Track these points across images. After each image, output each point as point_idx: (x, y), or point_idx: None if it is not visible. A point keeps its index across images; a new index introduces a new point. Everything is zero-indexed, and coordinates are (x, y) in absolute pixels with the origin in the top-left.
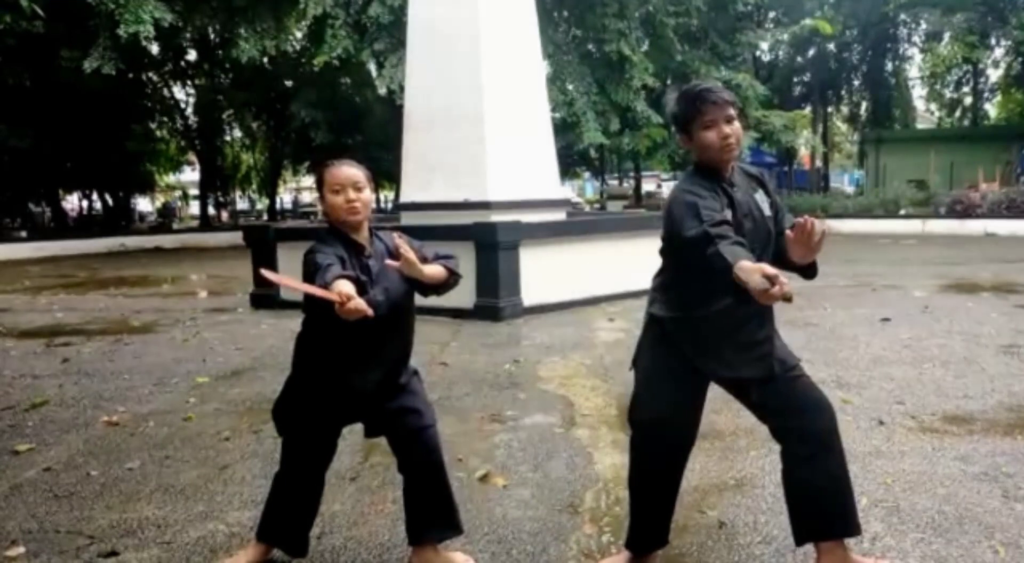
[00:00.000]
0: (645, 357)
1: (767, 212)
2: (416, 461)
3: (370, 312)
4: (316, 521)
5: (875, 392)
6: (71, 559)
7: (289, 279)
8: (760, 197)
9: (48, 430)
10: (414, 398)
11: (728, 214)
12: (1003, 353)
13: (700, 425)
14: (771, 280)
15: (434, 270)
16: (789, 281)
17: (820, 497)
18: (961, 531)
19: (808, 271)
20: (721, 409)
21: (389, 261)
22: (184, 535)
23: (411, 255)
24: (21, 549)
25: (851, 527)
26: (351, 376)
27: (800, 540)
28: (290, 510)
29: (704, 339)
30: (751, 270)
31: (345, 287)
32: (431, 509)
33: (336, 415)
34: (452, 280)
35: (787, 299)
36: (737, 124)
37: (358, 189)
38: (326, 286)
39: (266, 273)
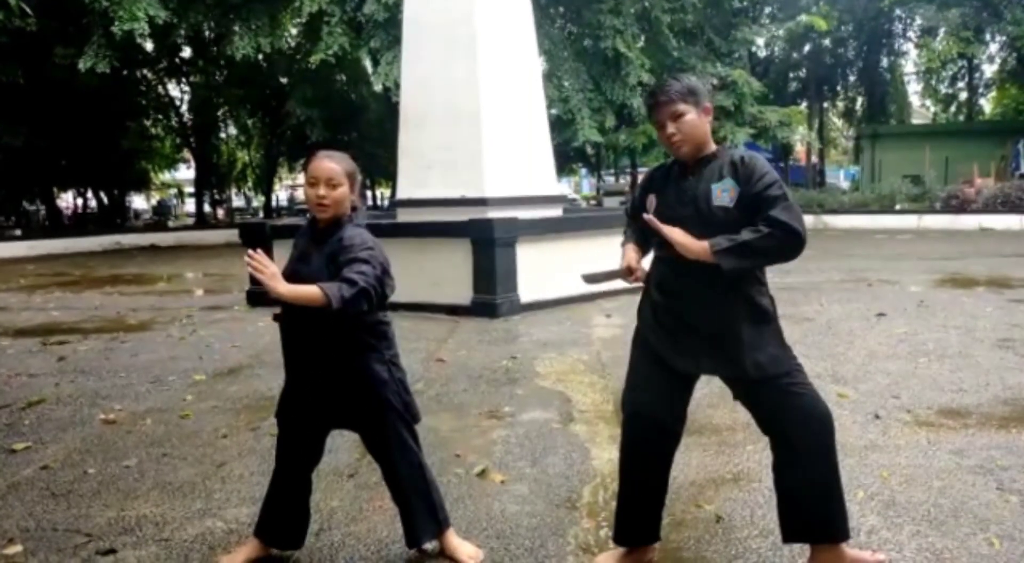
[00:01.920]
0: (632, 348)
1: (720, 203)
2: (380, 456)
3: (279, 289)
4: (315, 517)
5: (871, 386)
6: (69, 557)
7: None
8: (722, 185)
9: (45, 428)
10: (367, 393)
11: (651, 199)
12: (998, 347)
13: (687, 419)
14: (629, 270)
15: (300, 292)
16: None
17: (805, 502)
18: (956, 524)
19: (726, 264)
20: (718, 404)
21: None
22: (182, 532)
23: (264, 273)
24: (19, 547)
25: (837, 533)
26: (294, 376)
27: (787, 539)
28: (278, 508)
29: (662, 327)
30: (623, 256)
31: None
32: (416, 508)
33: (305, 416)
34: (329, 308)
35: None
36: (688, 118)
37: (331, 186)
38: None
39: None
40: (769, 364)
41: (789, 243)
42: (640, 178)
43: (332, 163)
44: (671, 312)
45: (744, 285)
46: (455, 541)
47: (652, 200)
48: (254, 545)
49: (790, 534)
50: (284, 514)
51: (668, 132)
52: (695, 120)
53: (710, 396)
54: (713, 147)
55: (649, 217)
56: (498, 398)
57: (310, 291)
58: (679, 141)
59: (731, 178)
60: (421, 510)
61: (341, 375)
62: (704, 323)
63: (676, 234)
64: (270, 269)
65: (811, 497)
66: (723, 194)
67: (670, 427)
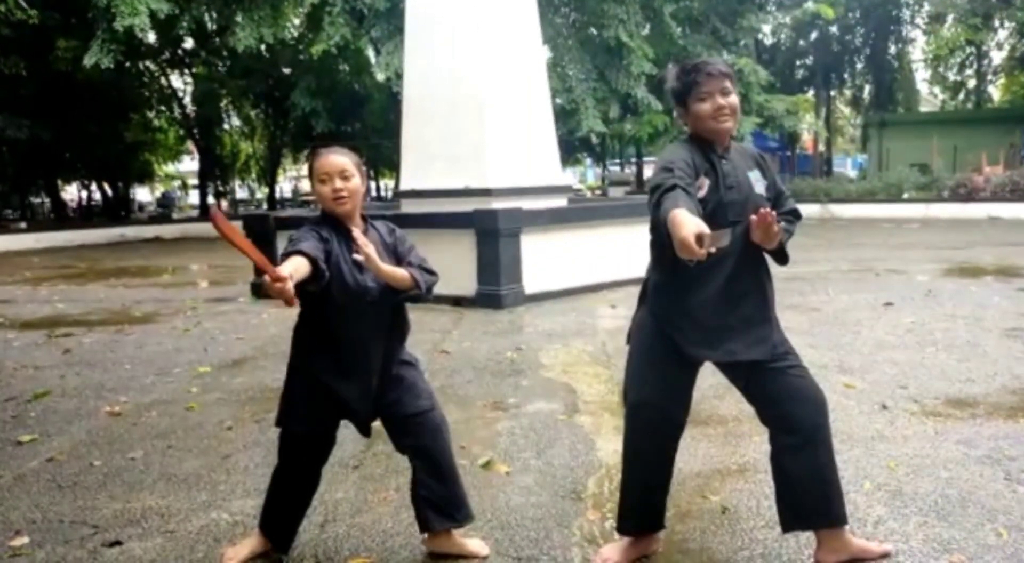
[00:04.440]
0: (635, 337)
1: (759, 191)
2: (419, 446)
3: (294, 302)
4: (319, 509)
5: (878, 376)
6: (75, 549)
7: (236, 233)
8: (755, 175)
9: (51, 420)
10: (407, 385)
11: (704, 181)
12: (1006, 337)
13: (693, 409)
14: (699, 239)
15: (396, 272)
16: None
17: (803, 487)
18: (964, 514)
19: (778, 257)
20: (724, 394)
21: (355, 254)
22: (187, 524)
23: (369, 250)
24: (25, 539)
25: (834, 518)
26: (335, 382)
27: (786, 527)
28: (280, 505)
29: (691, 318)
30: (681, 223)
31: (287, 266)
32: (441, 496)
33: (324, 415)
34: (416, 290)
35: (708, 255)
36: (734, 97)
37: (345, 178)
38: (285, 257)
39: (216, 215)
40: (780, 343)
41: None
42: (667, 154)
43: (340, 156)
44: (707, 299)
45: (766, 269)
46: (459, 537)
47: (704, 182)
48: (259, 538)
49: (791, 522)
50: (283, 510)
51: (719, 103)
52: (737, 101)
53: (716, 387)
54: None
55: (768, 211)
56: (503, 389)
57: (402, 273)
58: (729, 114)
59: (758, 169)
60: (457, 495)
61: (389, 363)
62: (741, 306)
63: (773, 223)
64: (371, 247)
65: (812, 481)
66: (759, 183)
67: (676, 417)
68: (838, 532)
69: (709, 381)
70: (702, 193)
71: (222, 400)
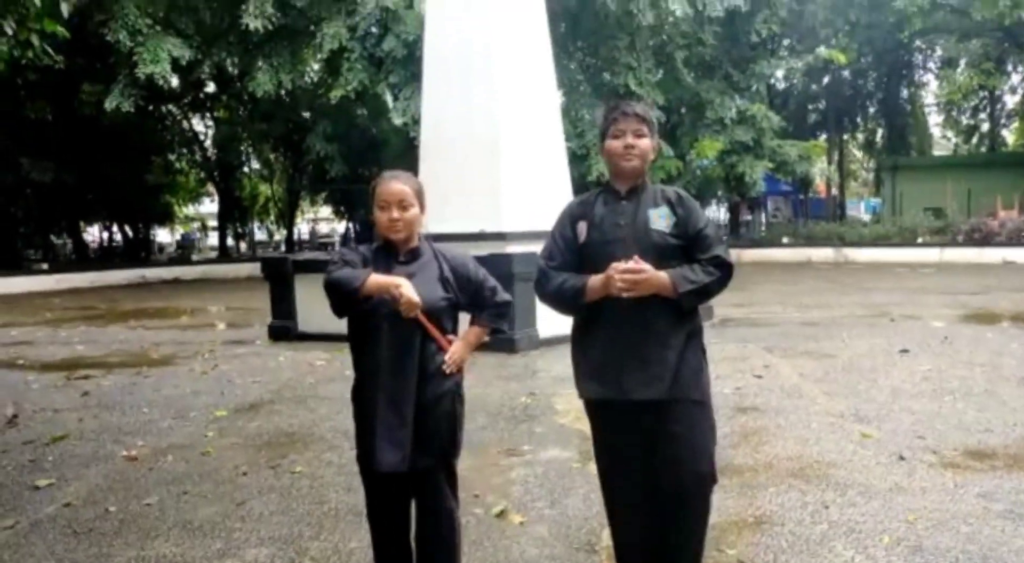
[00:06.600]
0: (597, 460)
1: (656, 227)
2: (424, 539)
3: (416, 298)
4: (332, 559)
5: (895, 426)
6: None
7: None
8: (658, 212)
9: (68, 465)
10: (437, 467)
11: (582, 226)
12: None
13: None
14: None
15: (468, 343)
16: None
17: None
18: None
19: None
20: (738, 443)
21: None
22: None
23: (410, 300)
24: None
25: None
26: (372, 448)
27: None
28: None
29: (586, 356)
30: (598, 283)
31: (380, 277)
32: None
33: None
34: (492, 334)
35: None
36: (646, 141)
37: (403, 207)
38: (361, 285)
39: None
40: (686, 387)
41: (728, 280)
42: (560, 213)
43: (401, 184)
44: (616, 344)
45: (677, 309)
46: None
47: (583, 226)
48: None
49: None
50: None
51: (628, 142)
52: (649, 145)
53: (731, 436)
54: (646, 179)
55: (634, 264)
56: (517, 436)
57: (474, 338)
58: (635, 155)
59: (667, 207)
60: None
61: (431, 400)
62: (639, 346)
63: (647, 268)
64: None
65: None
66: (660, 219)
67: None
68: None
69: (723, 429)
70: (582, 238)
71: (238, 445)
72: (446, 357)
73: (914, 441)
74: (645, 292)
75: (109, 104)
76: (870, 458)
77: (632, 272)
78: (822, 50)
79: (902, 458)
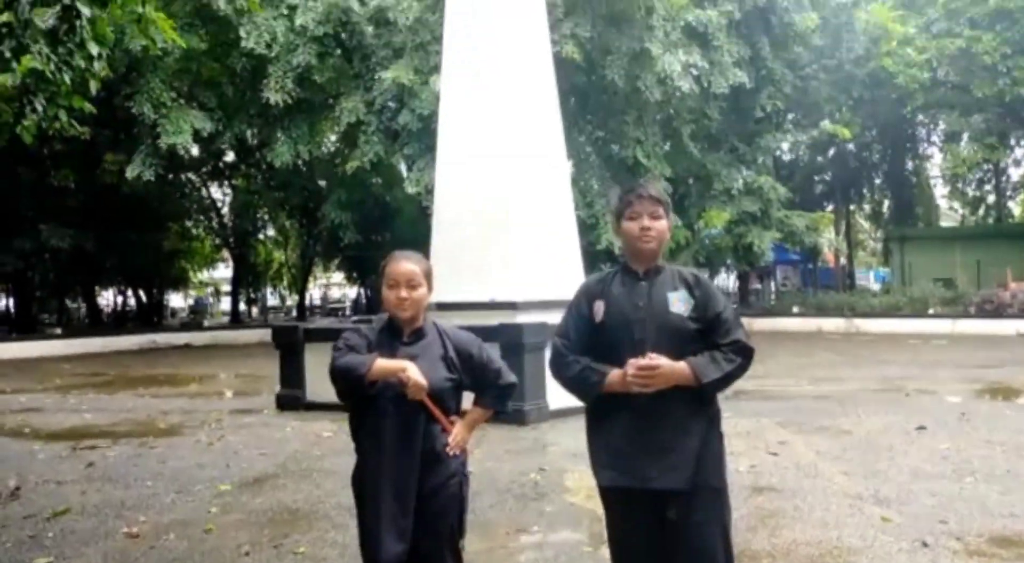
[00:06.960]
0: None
1: (675, 311)
2: None
3: (423, 381)
4: None
5: (916, 509)
6: None
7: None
8: (677, 296)
9: (68, 541)
10: (442, 551)
11: (600, 305)
12: None
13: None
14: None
15: (470, 425)
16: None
17: None
18: None
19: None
20: (756, 527)
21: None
22: None
23: (417, 383)
24: None
25: None
26: (375, 538)
27: None
28: None
29: (604, 442)
30: (617, 378)
31: (385, 362)
32: None
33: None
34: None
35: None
36: (663, 223)
37: (412, 286)
38: (368, 371)
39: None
40: (709, 477)
41: (749, 364)
42: (568, 309)
43: (411, 264)
44: (635, 431)
45: (697, 397)
46: None
47: (600, 306)
48: None
49: None
50: None
51: (645, 225)
52: (665, 226)
53: (748, 518)
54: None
55: (648, 361)
56: (526, 516)
57: (476, 418)
58: (652, 237)
59: (685, 290)
60: None
61: (436, 484)
62: (657, 433)
63: (662, 363)
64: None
65: None
66: (679, 303)
67: None
68: None
69: (739, 512)
70: (599, 318)
71: (241, 521)
72: (449, 440)
73: (936, 526)
74: (662, 386)
75: (131, 172)
76: (891, 544)
77: (648, 369)
78: (826, 124)
79: (925, 545)
